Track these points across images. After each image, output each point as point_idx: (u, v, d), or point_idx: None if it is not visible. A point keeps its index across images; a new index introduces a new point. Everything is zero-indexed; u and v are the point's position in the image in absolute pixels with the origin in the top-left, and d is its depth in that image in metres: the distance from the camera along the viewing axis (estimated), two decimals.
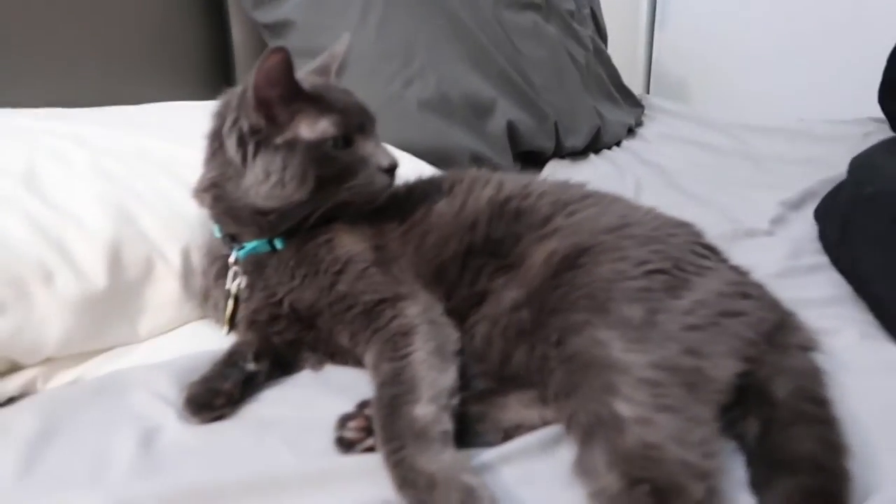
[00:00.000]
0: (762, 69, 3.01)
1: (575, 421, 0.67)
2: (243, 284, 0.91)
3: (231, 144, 0.87)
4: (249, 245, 0.91)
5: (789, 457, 0.66)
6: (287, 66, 0.83)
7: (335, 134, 0.87)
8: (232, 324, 0.93)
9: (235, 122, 0.86)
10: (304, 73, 0.96)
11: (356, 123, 0.90)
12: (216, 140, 0.90)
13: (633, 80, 3.27)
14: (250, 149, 0.86)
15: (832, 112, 2.43)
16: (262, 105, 0.85)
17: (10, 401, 0.82)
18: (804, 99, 2.82)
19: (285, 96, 0.85)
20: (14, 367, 0.85)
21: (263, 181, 0.86)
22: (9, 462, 0.69)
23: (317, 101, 0.88)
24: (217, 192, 0.90)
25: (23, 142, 1.00)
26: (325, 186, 0.87)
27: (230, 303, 0.92)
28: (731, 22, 3.07)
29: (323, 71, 0.97)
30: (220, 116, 0.90)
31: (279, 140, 0.86)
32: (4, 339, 0.80)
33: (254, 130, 0.86)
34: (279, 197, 0.86)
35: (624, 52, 3.19)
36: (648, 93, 3.33)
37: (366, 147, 0.90)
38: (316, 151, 0.86)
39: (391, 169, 0.91)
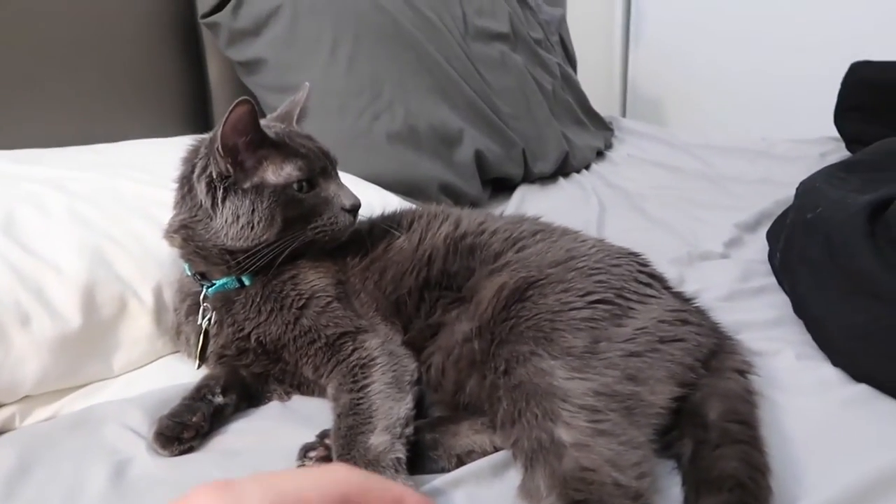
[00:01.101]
0: (733, 87, 3.11)
1: (519, 447, 0.72)
2: (213, 320, 0.96)
3: (201, 189, 0.92)
4: (219, 282, 0.96)
5: (715, 475, 0.71)
6: (252, 116, 0.89)
7: (299, 178, 0.93)
8: (203, 358, 0.97)
9: (205, 168, 0.92)
10: (269, 120, 1.01)
11: (319, 167, 0.96)
12: (186, 184, 0.95)
13: (609, 102, 3.36)
14: (219, 193, 0.91)
15: (801, 130, 2.50)
16: (230, 152, 0.90)
17: None
18: (773, 116, 2.92)
19: (252, 144, 0.91)
20: None
21: (233, 223, 0.91)
22: None
23: (281, 148, 0.93)
24: (187, 234, 0.95)
25: (2, 188, 1.05)
26: (291, 227, 0.92)
27: (201, 338, 0.96)
28: (703, 42, 3.16)
29: (285, 117, 1.03)
30: (190, 162, 0.95)
31: (247, 185, 0.91)
32: None
33: (223, 176, 0.91)
34: (248, 238, 0.91)
35: (600, 75, 3.28)
36: (625, 114, 3.42)
37: (329, 189, 0.96)
38: (282, 195, 0.92)
39: (353, 209, 0.96)
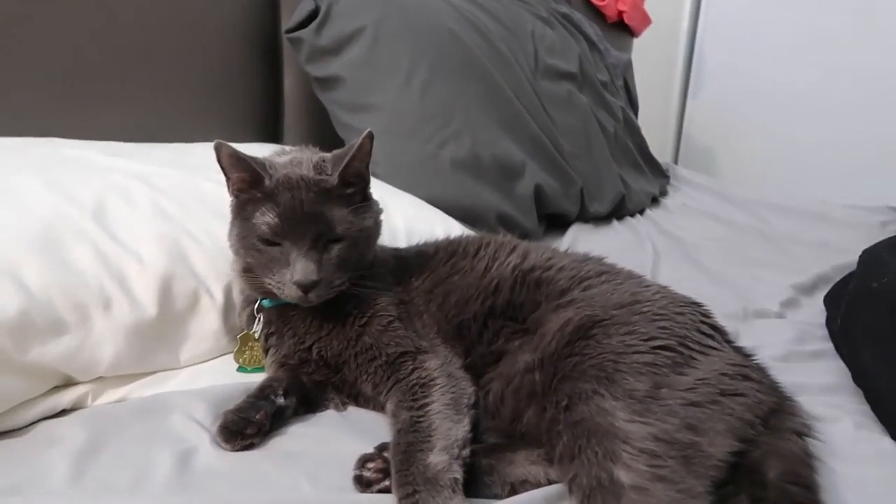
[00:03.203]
0: (789, 146, 3.09)
1: (577, 483, 0.73)
2: (270, 330, 1.00)
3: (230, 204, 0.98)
4: None
5: None
6: (233, 159, 0.91)
7: (263, 232, 0.90)
8: (243, 361, 1.04)
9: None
10: (318, 157, 0.98)
11: (290, 230, 0.90)
12: None
13: (663, 148, 3.37)
14: (232, 213, 0.97)
15: (855, 197, 2.48)
16: (233, 182, 0.94)
17: (63, 412, 0.90)
18: (827, 179, 2.89)
19: (246, 182, 0.93)
20: (68, 382, 0.93)
21: (230, 241, 0.97)
22: (60, 468, 0.77)
23: (270, 197, 0.91)
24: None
25: (94, 177, 1.10)
26: (251, 270, 0.94)
27: (241, 341, 1.03)
28: (762, 98, 3.17)
29: (338, 159, 0.96)
30: None
31: (243, 213, 0.94)
32: (65, 356, 0.89)
33: (232, 199, 0.96)
34: (235, 262, 0.98)
35: (655, 122, 3.29)
36: (677, 162, 3.42)
37: (290, 255, 0.90)
38: (249, 237, 0.92)
39: (300, 285, 0.89)
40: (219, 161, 0.93)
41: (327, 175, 0.94)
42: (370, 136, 0.94)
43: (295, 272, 0.89)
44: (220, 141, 0.91)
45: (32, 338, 0.86)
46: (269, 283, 0.92)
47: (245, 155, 0.92)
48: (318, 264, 0.90)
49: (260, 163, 0.93)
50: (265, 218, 0.90)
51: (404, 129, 1.60)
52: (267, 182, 0.91)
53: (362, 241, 0.97)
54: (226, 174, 0.94)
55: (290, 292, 0.90)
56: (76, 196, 1.02)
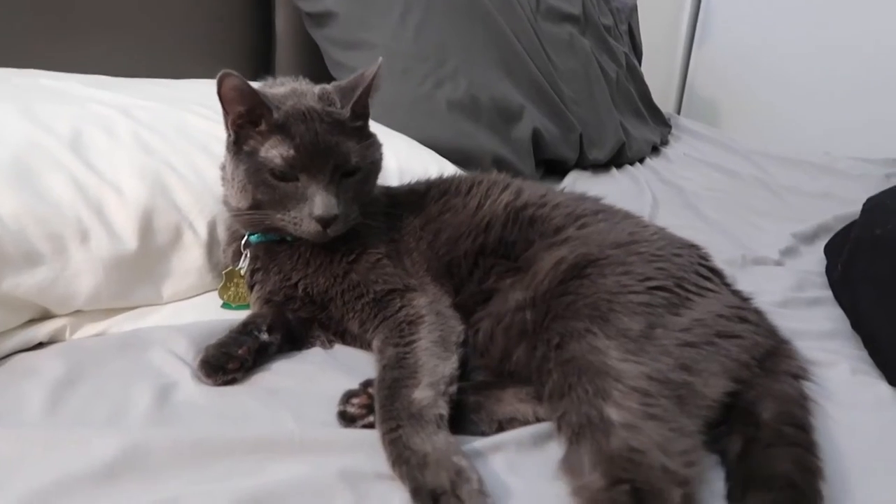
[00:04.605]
0: (795, 98, 3.03)
1: (566, 420, 0.71)
2: (256, 266, 0.97)
3: (227, 139, 0.93)
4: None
5: (766, 474, 0.69)
6: (240, 90, 0.86)
7: (278, 165, 0.87)
8: (228, 297, 1.00)
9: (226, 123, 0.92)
10: (326, 87, 0.95)
11: (306, 163, 0.87)
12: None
13: (666, 97, 3.30)
14: (230, 147, 0.92)
15: (859, 148, 2.45)
16: (234, 117, 0.89)
17: (40, 345, 0.88)
18: (833, 132, 2.85)
19: (250, 114, 0.88)
20: (45, 315, 0.90)
21: (229, 180, 0.93)
22: (36, 400, 0.75)
23: (280, 129, 0.87)
24: (223, 175, 0.96)
25: (72, 107, 1.06)
26: (261, 206, 0.89)
27: (227, 277, 1.00)
28: (769, 49, 3.09)
29: (347, 91, 0.93)
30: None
31: (245, 149, 0.89)
32: (40, 288, 0.86)
33: (230, 135, 0.91)
34: (234, 199, 0.92)
35: (660, 70, 3.22)
36: (680, 112, 3.36)
37: (308, 189, 0.88)
38: (258, 172, 0.88)
39: (321, 220, 0.87)
40: (219, 93, 0.87)
41: (336, 107, 0.90)
42: (380, 68, 0.92)
43: (315, 207, 0.86)
44: (228, 71, 0.84)
45: (5, 268, 0.83)
46: (283, 220, 0.88)
47: (251, 86, 0.86)
48: (337, 198, 0.88)
49: (264, 94, 0.88)
50: (278, 150, 0.86)
51: (398, 67, 1.54)
52: (275, 114, 0.87)
53: (373, 174, 0.96)
54: (224, 108, 0.89)
55: (308, 228, 0.87)
56: (52, 125, 0.98)
